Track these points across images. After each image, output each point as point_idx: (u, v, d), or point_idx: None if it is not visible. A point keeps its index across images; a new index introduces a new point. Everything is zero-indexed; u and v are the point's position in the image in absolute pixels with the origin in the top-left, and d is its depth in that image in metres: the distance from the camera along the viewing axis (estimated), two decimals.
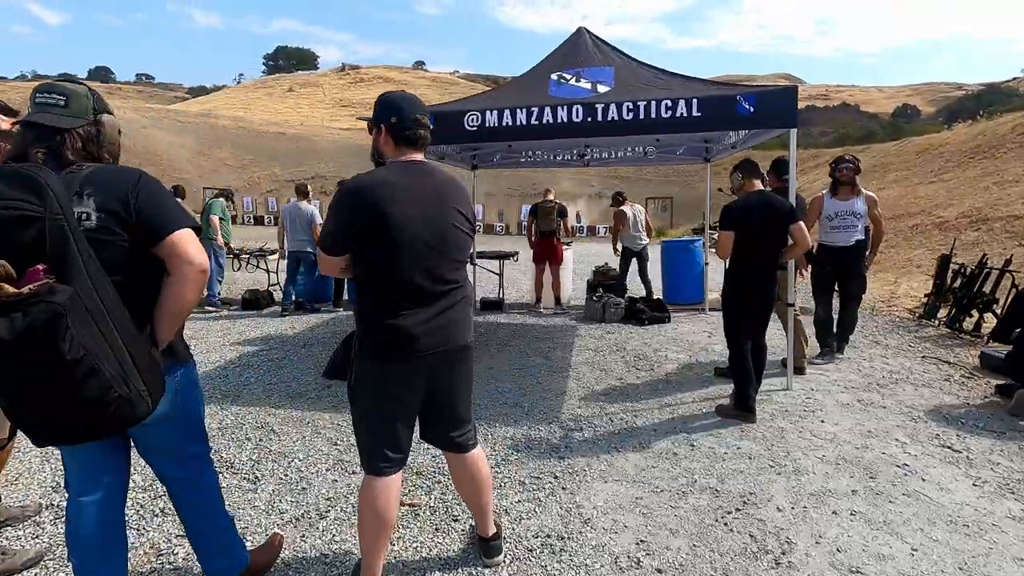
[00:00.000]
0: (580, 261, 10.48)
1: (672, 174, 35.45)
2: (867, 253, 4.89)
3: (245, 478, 3.05)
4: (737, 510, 2.65)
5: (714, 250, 4.46)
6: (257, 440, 3.50)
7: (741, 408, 3.66)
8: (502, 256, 8.12)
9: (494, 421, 3.81)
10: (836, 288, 5.01)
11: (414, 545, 2.46)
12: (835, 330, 5.05)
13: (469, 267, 7.95)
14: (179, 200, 7.61)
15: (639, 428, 3.65)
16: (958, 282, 6.34)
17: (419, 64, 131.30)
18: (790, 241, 3.65)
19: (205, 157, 40.66)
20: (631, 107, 4.08)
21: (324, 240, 1.90)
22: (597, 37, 5.40)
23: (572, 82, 4.83)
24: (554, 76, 4.94)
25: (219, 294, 7.80)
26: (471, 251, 2.06)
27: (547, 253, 7.46)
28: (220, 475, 3.05)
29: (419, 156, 2.04)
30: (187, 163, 38.69)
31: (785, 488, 2.82)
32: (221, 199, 8.00)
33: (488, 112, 4.29)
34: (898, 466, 3.04)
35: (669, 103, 4.03)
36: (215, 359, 5.29)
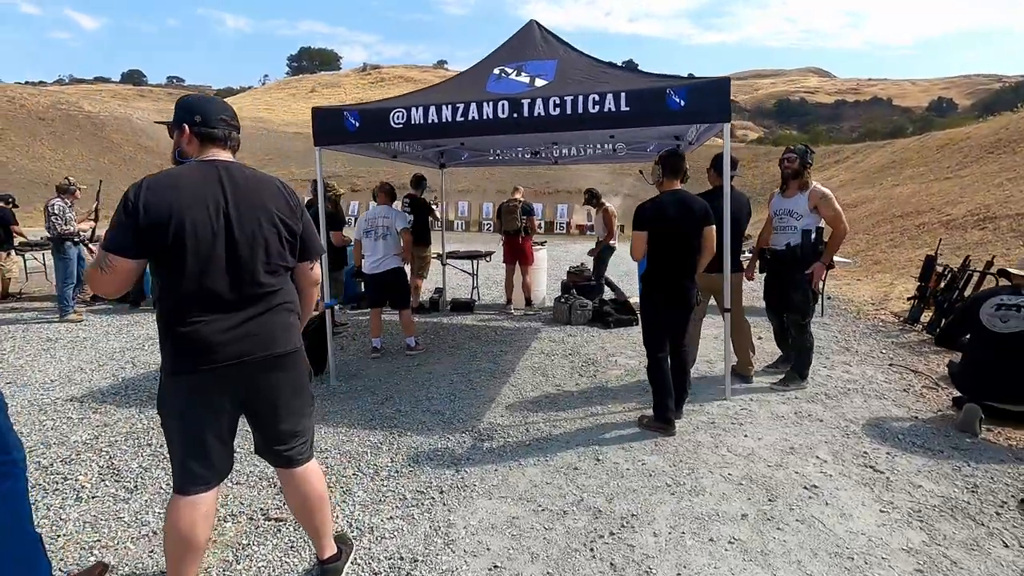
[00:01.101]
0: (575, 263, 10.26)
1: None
2: (813, 259, 4.07)
3: (124, 486, 2.97)
4: (611, 534, 2.46)
5: None
6: (158, 446, 3.43)
7: (660, 420, 3.45)
8: (475, 256, 7.98)
9: (406, 429, 3.68)
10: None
11: (260, 564, 2.34)
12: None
13: (437, 266, 7.96)
14: None
15: (552, 439, 3.48)
16: (942, 284, 5.97)
17: (441, 63, 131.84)
18: None
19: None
20: (557, 102, 3.90)
21: (106, 242, 1.78)
22: (547, 30, 5.20)
23: (512, 76, 4.65)
24: (496, 71, 4.78)
25: None
26: (290, 254, 1.92)
27: (515, 253, 7.28)
28: (103, 482, 3.02)
29: (226, 155, 1.92)
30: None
31: (672, 510, 2.63)
32: None
33: (414, 109, 4.15)
34: (806, 487, 2.80)
35: (596, 97, 3.83)
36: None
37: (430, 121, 4.12)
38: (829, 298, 8.16)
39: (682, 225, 3.34)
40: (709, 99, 3.71)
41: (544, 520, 2.60)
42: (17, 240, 8.46)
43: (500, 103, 3.99)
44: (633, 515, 2.59)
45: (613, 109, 3.81)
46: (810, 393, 4.17)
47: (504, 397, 4.28)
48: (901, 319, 6.52)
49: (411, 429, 3.69)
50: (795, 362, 4.31)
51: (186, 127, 1.87)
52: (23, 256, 9.05)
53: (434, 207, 7.30)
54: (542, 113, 3.92)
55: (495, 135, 4.31)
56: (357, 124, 4.28)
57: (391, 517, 2.66)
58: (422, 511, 2.71)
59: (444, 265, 7.87)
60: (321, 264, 2.33)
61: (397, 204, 5.89)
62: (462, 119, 4.06)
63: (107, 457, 3.31)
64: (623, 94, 3.79)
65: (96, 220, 7.36)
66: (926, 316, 6.13)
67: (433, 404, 4.14)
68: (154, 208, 1.72)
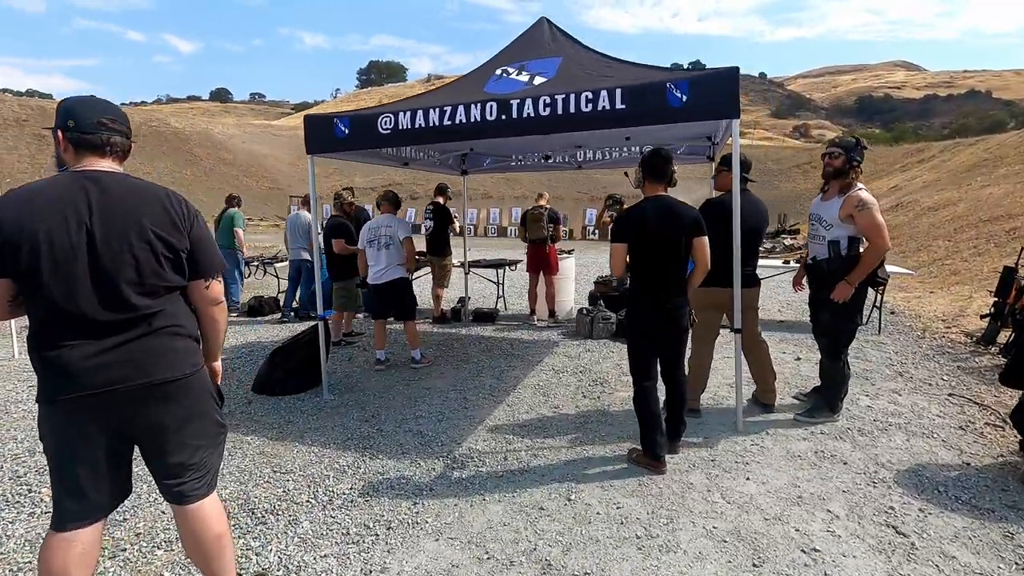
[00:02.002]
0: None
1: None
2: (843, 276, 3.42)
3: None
4: None
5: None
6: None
7: (648, 457, 3.05)
8: (498, 264, 7.73)
9: (380, 452, 3.47)
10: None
11: None
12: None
13: (460, 275, 7.73)
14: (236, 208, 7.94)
15: (528, 471, 3.16)
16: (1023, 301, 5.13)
17: None
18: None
19: (295, 167, 43.59)
20: (548, 101, 3.59)
21: None
22: (557, 28, 4.90)
23: (513, 75, 4.38)
24: (499, 71, 4.52)
25: (238, 301, 8.04)
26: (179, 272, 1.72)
27: (540, 262, 6.97)
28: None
29: (105, 164, 1.76)
30: (280, 173, 41.66)
31: (632, 570, 2.24)
32: (238, 209, 8.22)
33: (401, 114, 3.96)
34: (804, 550, 2.34)
35: (589, 95, 3.49)
36: None
37: (417, 125, 3.91)
38: (893, 312, 7.31)
39: (667, 236, 2.94)
40: (715, 92, 3.28)
41: (485, 571, 2.29)
42: None
43: (488, 104, 3.73)
44: (586, 574, 2.23)
45: (608, 107, 3.46)
46: (840, 428, 3.61)
47: (494, 418, 3.99)
48: (973, 339, 5.68)
49: (384, 452, 3.48)
50: (824, 392, 3.75)
51: (60, 133, 1.74)
52: None
53: (455, 216, 7.14)
54: (531, 114, 3.62)
55: (483, 139, 4.04)
56: (347, 131, 4.15)
57: (325, 555, 2.44)
58: (360, 550, 2.47)
59: (467, 274, 7.68)
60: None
61: (406, 213, 5.76)
62: (449, 123, 3.82)
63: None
64: (618, 90, 3.43)
65: None
66: (1003, 337, 5.29)
67: (419, 424, 3.91)
68: (5, 225, 1.58)
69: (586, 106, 3.51)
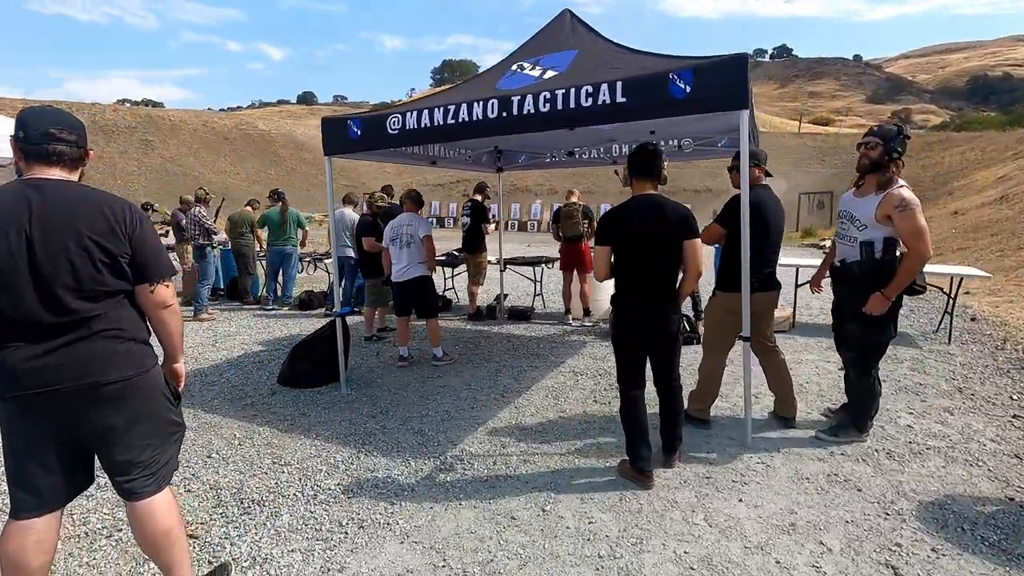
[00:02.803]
0: None
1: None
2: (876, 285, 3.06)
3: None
4: None
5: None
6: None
7: (635, 470, 2.89)
8: (535, 262, 7.64)
9: (375, 449, 3.52)
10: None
11: None
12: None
13: (493, 272, 7.69)
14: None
15: (513, 477, 3.09)
16: None
17: None
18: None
19: (369, 166, 45.46)
20: (548, 97, 3.47)
21: None
22: (579, 20, 4.74)
23: (527, 71, 4.29)
24: (515, 66, 4.45)
25: (291, 296, 8.47)
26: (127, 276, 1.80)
27: (574, 260, 6.83)
28: None
29: (53, 172, 1.86)
30: (353, 170, 43.53)
31: None
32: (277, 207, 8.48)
33: (408, 114, 3.98)
34: None
35: (590, 89, 3.34)
36: (222, 356, 5.71)
37: (422, 125, 3.92)
38: (973, 319, 6.54)
39: (653, 235, 2.74)
40: (720, 82, 3.03)
41: None
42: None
43: (490, 102, 3.66)
44: None
45: (608, 101, 3.29)
46: (865, 449, 3.25)
47: (497, 420, 3.94)
48: None
49: (380, 449, 3.52)
50: (851, 409, 3.40)
51: (12, 142, 1.86)
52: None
53: (494, 218, 7.14)
54: (531, 110, 3.51)
55: (485, 136, 3.97)
56: (359, 132, 4.23)
57: (292, 550, 2.51)
58: (326, 547, 2.51)
59: (502, 271, 7.65)
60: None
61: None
62: (452, 121, 3.79)
63: None
64: (619, 84, 3.26)
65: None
66: None
67: (422, 422, 3.94)
68: None
69: (586, 100, 3.36)
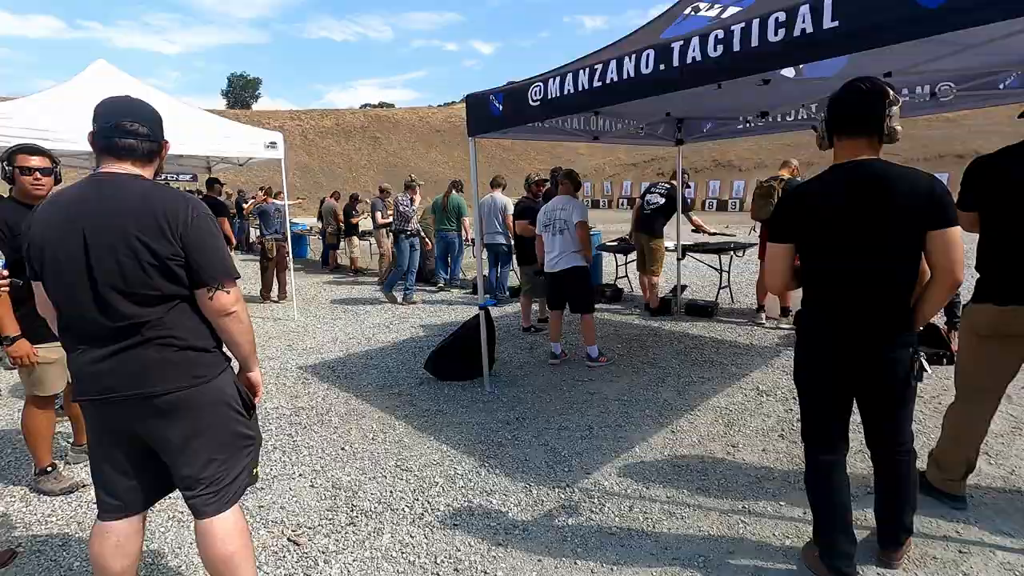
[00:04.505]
0: None
1: None
2: None
3: None
4: None
5: None
6: (265, 426, 3.76)
7: (825, 567, 1.98)
8: (721, 249, 6.49)
9: (495, 467, 3.12)
10: None
11: None
12: None
13: (669, 262, 6.63)
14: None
15: (651, 536, 2.41)
16: None
17: None
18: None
19: (567, 148, 45.91)
20: (720, 37, 2.58)
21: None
22: None
23: (703, 11, 3.39)
24: (688, 8, 3.57)
25: (460, 275, 8.69)
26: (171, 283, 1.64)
27: None
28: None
29: (122, 167, 1.75)
30: (548, 153, 44.30)
31: None
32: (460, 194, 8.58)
33: (551, 80, 3.40)
34: None
35: (780, 17, 2.36)
36: (391, 338, 5.91)
37: (565, 92, 3.32)
38: None
39: (865, 228, 1.76)
40: None
41: None
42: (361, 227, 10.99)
43: (644, 55, 2.90)
44: None
45: (810, 30, 2.30)
46: None
47: (649, 447, 3.24)
48: None
49: (504, 465, 3.11)
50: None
51: (89, 136, 1.78)
52: (368, 241, 11.64)
53: (693, 214, 6.28)
54: (697, 57, 2.66)
55: (641, 99, 3.15)
56: (501, 107, 3.79)
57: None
58: None
59: (679, 260, 6.66)
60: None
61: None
62: (599, 84, 3.12)
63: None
64: (827, 3, 2.25)
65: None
66: None
67: (559, 437, 3.43)
68: (31, 230, 1.68)
69: (775, 34, 2.40)
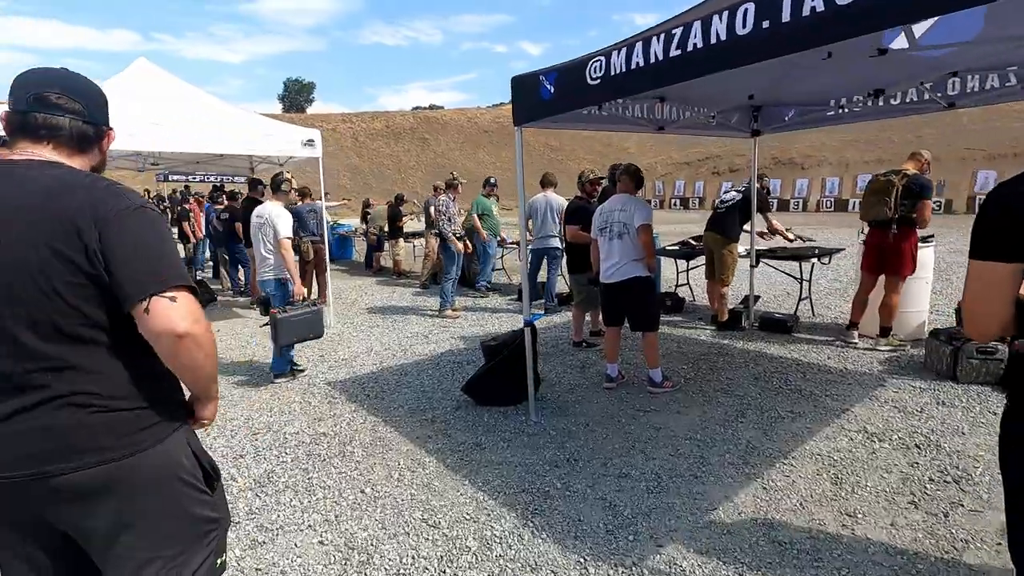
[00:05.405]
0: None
1: None
2: None
3: None
4: None
5: None
6: (295, 445, 3.29)
7: None
8: (800, 256, 5.64)
9: (545, 525, 2.53)
10: None
11: None
12: None
13: (741, 268, 5.85)
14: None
15: None
16: None
17: None
18: None
19: (610, 147, 44.80)
20: None
21: None
22: None
23: None
24: None
25: (488, 282, 8.18)
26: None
27: (881, 255, 4.71)
28: None
29: (43, 153, 1.26)
30: (597, 153, 43.34)
31: None
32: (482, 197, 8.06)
33: (615, 54, 2.78)
34: None
35: None
36: (429, 350, 5.41)
37: (634, 65, 2.67)
38: None
39: None
40: None
41: None
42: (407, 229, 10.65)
43: (742, 8, 2.23)
44: None
45: None
46: None
47: (735, 507, 2.57)
48: None
49: (552, 526, 2.52)
50: None
51: (3, 115, 1.31)
52: (412, 244, 11.28)
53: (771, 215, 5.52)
54: (819, 7, 1.99)
55: (723, 70, 2.48)
56: (552, 89, 3.19)
57: None
58: None
59: (752, 267, 5.86)
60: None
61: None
62: (678, 52, 2.47)
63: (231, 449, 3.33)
64: None
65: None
66: None
67: (618, 488, 2.81)
68: None
69: None
